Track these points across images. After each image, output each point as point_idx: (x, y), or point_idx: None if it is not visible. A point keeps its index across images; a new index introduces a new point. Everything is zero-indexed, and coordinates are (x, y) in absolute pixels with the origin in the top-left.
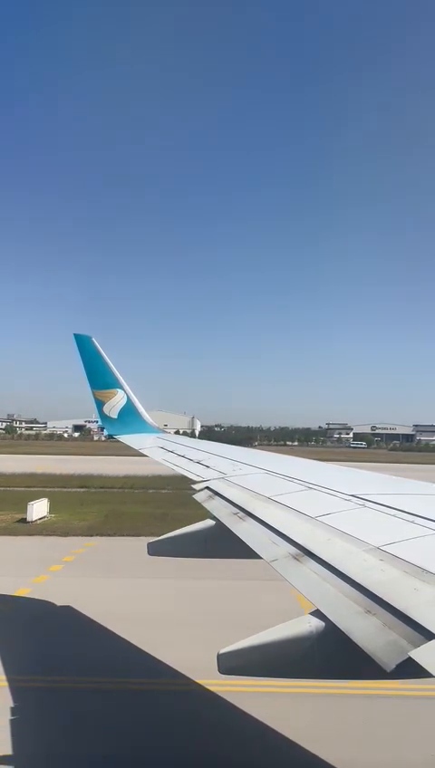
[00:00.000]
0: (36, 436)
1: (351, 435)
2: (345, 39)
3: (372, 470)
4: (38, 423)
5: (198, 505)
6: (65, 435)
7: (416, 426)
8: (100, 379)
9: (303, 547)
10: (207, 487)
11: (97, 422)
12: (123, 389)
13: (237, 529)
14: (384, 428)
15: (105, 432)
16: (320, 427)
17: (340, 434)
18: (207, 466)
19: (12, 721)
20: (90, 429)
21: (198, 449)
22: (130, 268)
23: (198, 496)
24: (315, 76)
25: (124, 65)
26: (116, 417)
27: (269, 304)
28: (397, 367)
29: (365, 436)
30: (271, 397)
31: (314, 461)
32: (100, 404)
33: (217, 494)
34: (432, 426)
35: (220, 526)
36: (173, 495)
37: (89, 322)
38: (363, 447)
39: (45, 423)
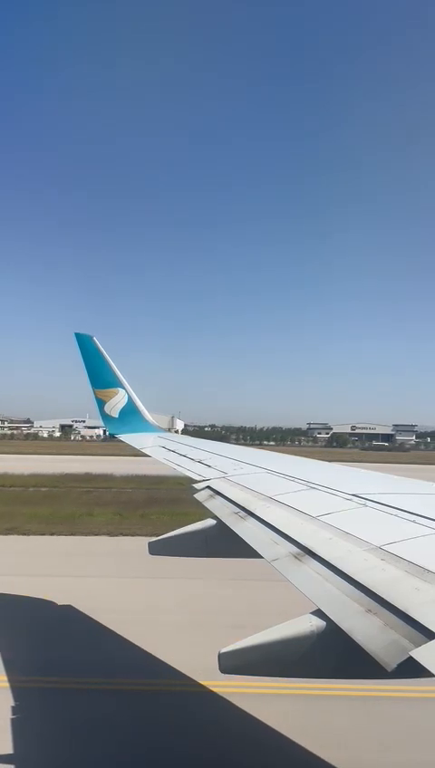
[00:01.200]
0: (11, 436)
1: (330, 434)
2: (346, 37)
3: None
4: (25, 423)
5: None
6: (45, 434)
7: (395, 425)
8: (101, 378)
9: (304, 546)
10: (209, 486)
11: (84, 422)
12: (124, 389)
13: (239, 528)
14: (364, 428)
15: (107, 431)
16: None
17: (319, 433)
18: (209, 466)
19: (12, 721)
20: (74, 429)
21: (199, 449)
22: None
23: (199, 496)
24: (316, 74)
25: (123, 64)
26: (117, 416)
27: (253, 304)
28: (378, 367)
29: (341, 436)
30: (255, 396)
31: (316, 461)
32: (101, 403)
33: (218, 493)
34: (411, 425)
35: (221, 526)
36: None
37: (66, 316)
38: (386, 447)
39: (32, 423)
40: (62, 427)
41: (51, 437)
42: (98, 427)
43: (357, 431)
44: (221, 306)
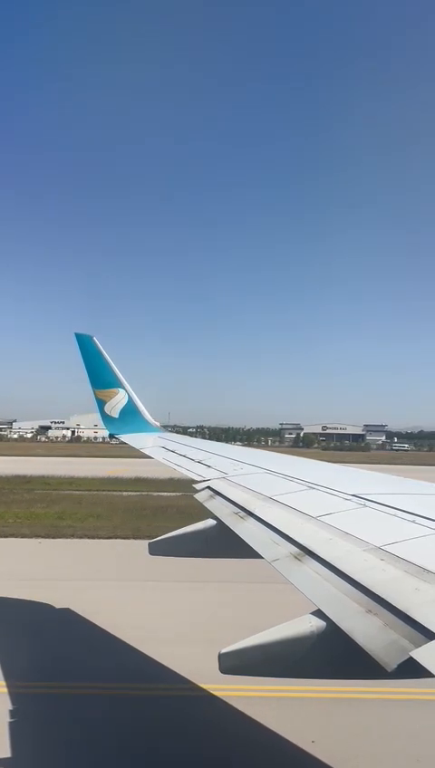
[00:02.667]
0: None
1: (295, 434)
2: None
3: None
4: (6, 424)
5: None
6: (18, 436)
7: (366, 426)
8: (101, 378)
9: (304, 547)
10: (209, 487)
11: (63, 423)
12: (124, 389)
13: (238, 528)
14: (335, 428)
15: (107, 431)
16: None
17: (289, 433)
18: (209, 466)
19: (11, 725)
20: (49, 429)
21: (199, 449)
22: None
23: (199, 496)
24: (316, 71)
25: (122, 63)
26: (117, 416)
27: (231, 306)
28: (350, 368)
29: (307, 436)
30: (232, 397)
31: (316, 461)
32: (101, 403)
33: (218, 493)
34: (382, 426)
35: (221, 526)
36: None
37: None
38: (406, 450)
39: (11, 423)
40: (41, 428)
41: (20, 438)
42: (68, 428)
43: (328, 431)
44: (198, 310)
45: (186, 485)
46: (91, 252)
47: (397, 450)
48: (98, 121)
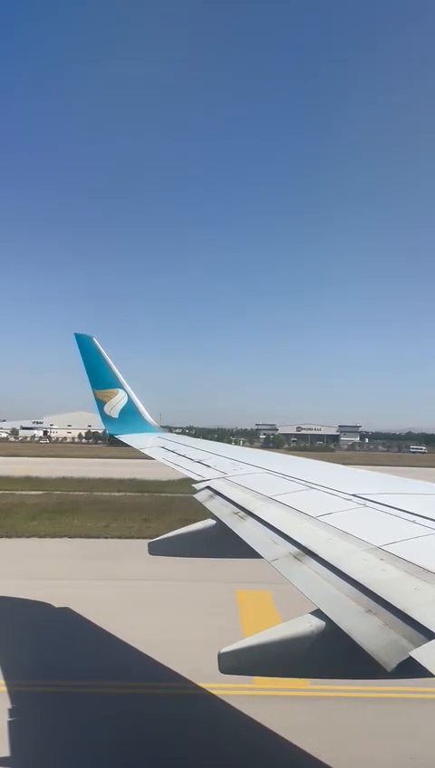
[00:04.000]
0: None
1: (267, 435)
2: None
3: None
4: None
5: None
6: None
7: (341, 426)
8: (100, 378)
9: (303, 546)
10: (208, 487)
11: (42, 423)
12: (124, 389)
13: (238, 528)
14: (309, 429)
15: (107, 432)
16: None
17: (264, 434)
18: (208, 466)
19: (10, 724)
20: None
21: (199, 449)
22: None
23: (198, 496)
24: (317, 68)
25: (123, 59)
26: (117, 416)
27: (205, 307)
28: (350, 368)
29: (277, 437)
30: (226, 398)
31: (316, 461)
32: (101, 404)
33: (217, 493)
34: (356, 426)
35: (221, 526)
36: None
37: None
38: (423, 452)
39: None
40: (22, 429)
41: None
42: (37, 428)
43: (302, 432)
44: (183, 309)
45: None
46: (85, 251)
47: (414, 453)
48: (97, 118)
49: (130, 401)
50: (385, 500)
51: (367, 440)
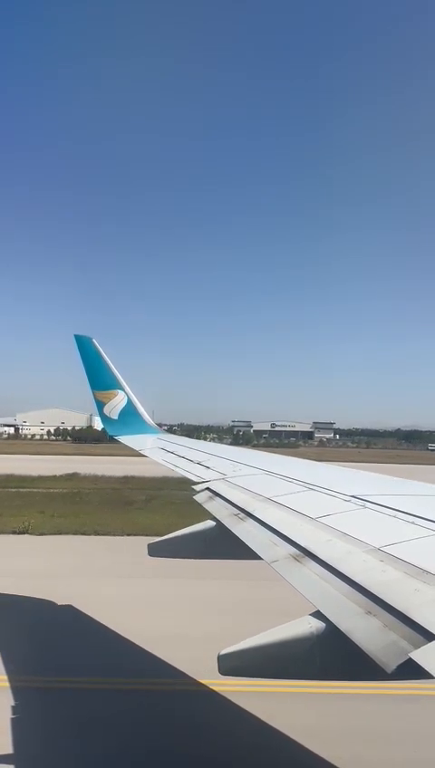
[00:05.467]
0: None
1: (242, 431)
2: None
3: None
4: None
5: None
6: None
7: (315, 423)
8: (100, 379)
9: (303, 548)
10: (208, 488)
11: (15, 420)
12: (124, 390)
13: (238, 530)
14: (284, 426)
15: (107, 432)
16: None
17: (239, 431)
18: (208, 467)
19: (12, 721)
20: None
21: (198, 450)
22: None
23: (198, 497)
24: (318, 67)
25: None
26: (117, 417)
27: (187, 306)
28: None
29: (247, 434)
30: (188, 395)
31: (315, 462)
32: (100, 405)
33: (217, 494)
34: (330, 423)
35: (220, 527)
36: None
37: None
38: None
39: None
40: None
41: None
42: (11, 425)
43: (277, 428)
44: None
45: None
46: (72, 246)
47: (433, 450)
48: (97, 116)
49: (129, 402)
50: (384, 501)
51: (338, 436)
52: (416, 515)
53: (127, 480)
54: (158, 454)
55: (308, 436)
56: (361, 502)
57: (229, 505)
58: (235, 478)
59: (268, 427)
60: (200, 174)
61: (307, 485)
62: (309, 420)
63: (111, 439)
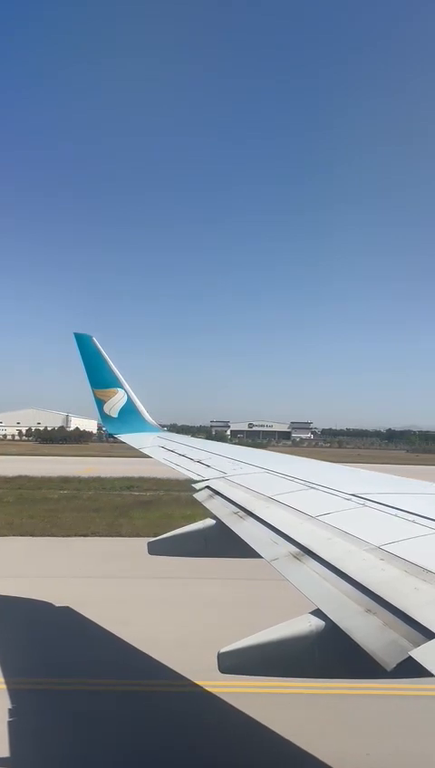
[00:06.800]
0: None
1: (215, 432)
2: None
3: None
4: None
5: None
6: None
7: (293, 423)
8: (100, 378)
9: (303, 546)
10: (208, 486)
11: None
12: (124, 389)
13: (238, 528)
14: (261, 426)
15: (106, 431)
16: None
17: (216, 431)
18: (208, 466)
19: (10, 723)
20: None
21: (198, 449)
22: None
23: (198, 496)
24: (317, 67)
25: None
26: (116, 416)
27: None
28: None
29: (220, 432)
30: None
31: (316, 460)
32: (100, 403)
33: (217, 493)
34: (307, 423)
35: (221, 525)
36: None
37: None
38: None
39: None
40: None
41: None
42: None
43: (254, 428)
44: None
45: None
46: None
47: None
48: (97, 117)
49: (129, 401)
50: (385, 500)
51: (311, 436)
52: (416, 514)
53: (48, 480)
54: (158, 452)
55: (286, 436)
56: (361, 500)
57: (229, 504)
58: (235, 477)
59: (246, 427)
60: (200, 175)
61: (308, 484)
62: (287, 421)
63: (69, 440)
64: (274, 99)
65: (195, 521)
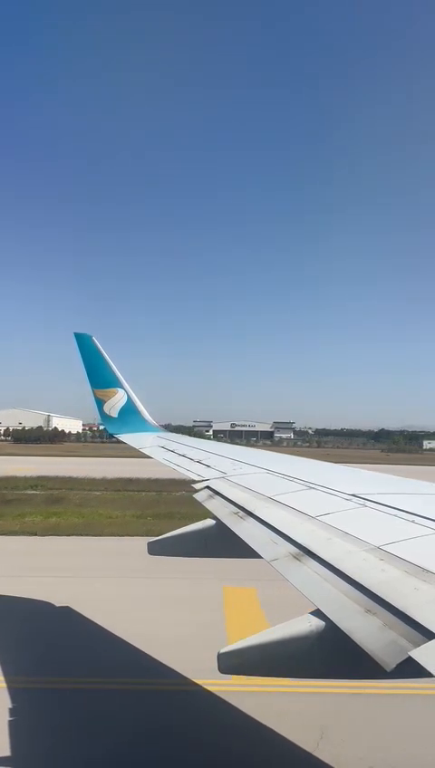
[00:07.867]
0: None
1: (211, 431)
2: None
3: None
4: None
5: None
6: None
7: (275, 423)
8: (100, 377)
9: (303, 546)
10: (208, 486)
11: None
12: (123, 388)
13: (238, 528)
14: (244, 426)
15: (106, 431)
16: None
17: (199, 430)
18: (208, 466)
19: (10, 722)
20: None
21: (198, 449)
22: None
23: (198, 496)
24: (316, 74)
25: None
26: (116, 416)
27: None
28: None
29: (199, 434)
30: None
31: (315, 460)
32: (100, 403)
33: (217, 493)
34: (289, 423)
35: (221, 526)
36: None
37: None
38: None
39: None
40: None
41: None
42: None
43: (237, 428)
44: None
45: None
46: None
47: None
48: (96, 120)
49: (129, 401)
50: (385, 500)
51: (292, 436)
52: (416, 514)
53: None
54: (158, 452)
55: (268, 436)
56: (361, 501)
57: (229, 504)
58: (235, 477)
59: (228, 427)
60: (200, 177)
61: (308, 484)
62: (270, 421)
63: (43, 440)
64: (273, 105)
65: (54, 520)
